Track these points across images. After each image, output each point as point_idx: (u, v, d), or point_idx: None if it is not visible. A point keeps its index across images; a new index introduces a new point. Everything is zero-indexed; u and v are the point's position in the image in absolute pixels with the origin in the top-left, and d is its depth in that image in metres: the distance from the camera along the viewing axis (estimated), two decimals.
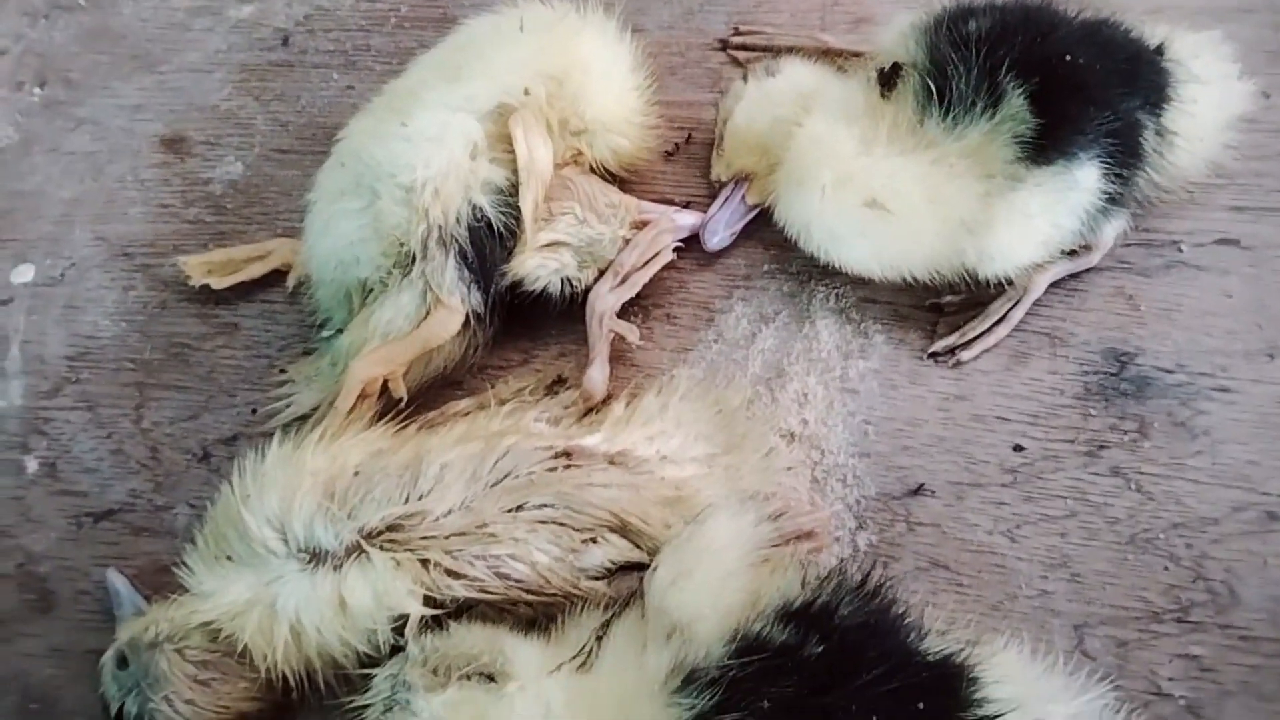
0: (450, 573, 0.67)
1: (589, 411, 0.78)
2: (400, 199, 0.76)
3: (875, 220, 0.76)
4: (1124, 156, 0.77)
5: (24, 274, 0.92)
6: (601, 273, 0.82)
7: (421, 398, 0.80)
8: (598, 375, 0.79)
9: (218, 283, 0.87)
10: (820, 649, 0.61)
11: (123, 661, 0.70)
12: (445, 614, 0.68)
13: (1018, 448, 0.77)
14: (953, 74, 0.75)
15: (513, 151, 0.79)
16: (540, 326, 0.85)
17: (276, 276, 0.88)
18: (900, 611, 0.65)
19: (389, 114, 0.79)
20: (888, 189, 0.75)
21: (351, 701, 0.68)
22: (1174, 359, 0.79)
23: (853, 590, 0.65)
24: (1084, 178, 0.76)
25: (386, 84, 0.87)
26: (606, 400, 0.79)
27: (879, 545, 0.75)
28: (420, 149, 0.76)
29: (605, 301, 0.81)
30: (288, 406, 0.82)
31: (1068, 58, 0.75)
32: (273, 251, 0.88)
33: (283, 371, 0.85)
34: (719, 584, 0.66)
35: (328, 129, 0.95)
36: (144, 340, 0.88)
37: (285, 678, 0.69)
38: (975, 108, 0.75)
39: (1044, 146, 0.74)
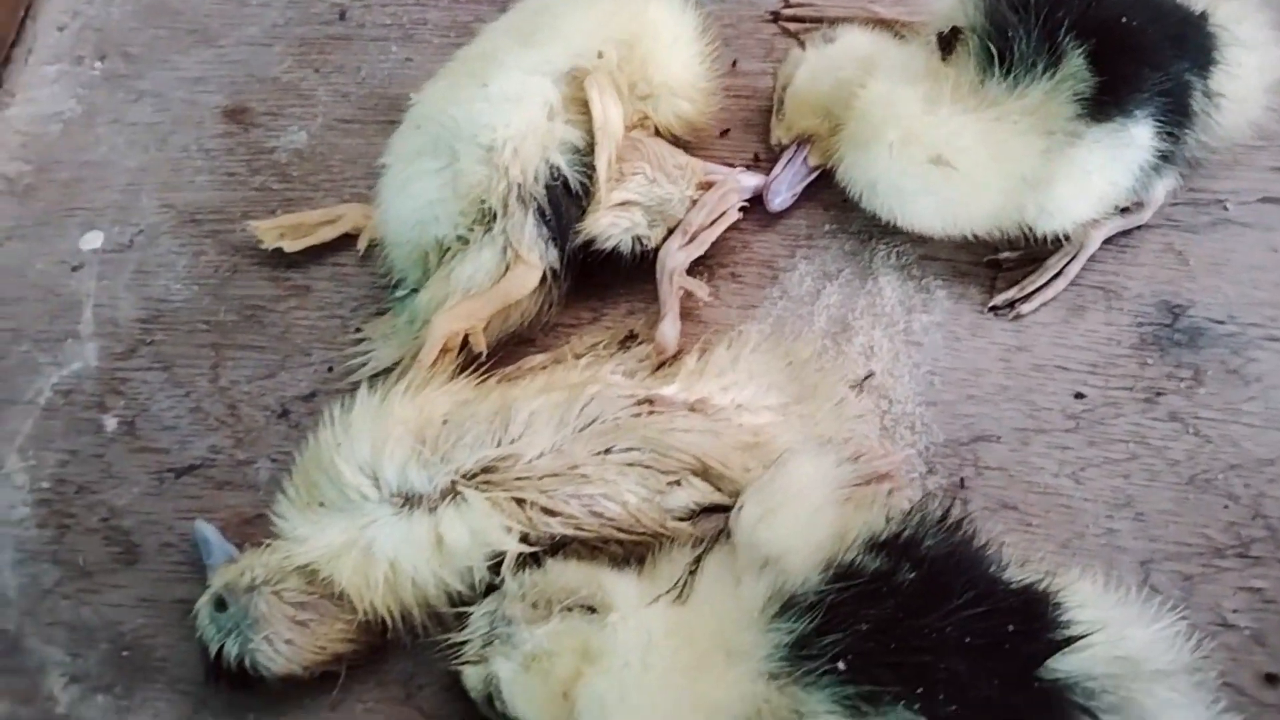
0: (547, 510, 0.69)
1: (661, 365, 0.81)
2: (481, 158, 0.78)
3: (940, 177, 0.79)
4: (1175, 116, 0.80)
5: (93, 240, 0.94)
6: (670, 232, 0.85)
7: (498, 354, 0.82)
8: (670, 330, 0.81)
9: (290, 246, 0.89)
10: (912, 575, 0.64)
11: (220, 605, 0.72)
12: (539, 553, 0.70)
13: (1079, 395, 0.80)
14: (1014, 36, 0.78)
15: (585, 113, 0.81)
16: (609, 286, 0.87)
17: (346, 240, 0.90)
18: (982, 544, 0.68)
19: (466, 78, 0.81)
20: (953, 146, 0.78)
21: (448, 639, 0.70)
22: (1224, 310, 0.82)
23: (935, 524, 0.67)
24: (1139, 135, 0.79)
25: (455, 52, 0.90)
26: (678, 355, 0.81)
27: (949, 489, 0.77)
28: (500, 110, 0.78)
29: (675, 259, 0.83)
30: (366, 363, 0.84)
31: (1124, 20, 0.78)
32: (343, 215, 0.90)
33: (358, 330, 0.87)
34: (808, 519, 0.68)
35: (389, 99, 0.98)
36: (217, 303, 0.90)
37: (380, 618, 0.71)
38: (1036, 67, 0.78)
39: (1103, 104, 0.77)
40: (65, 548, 0.82)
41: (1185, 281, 0.84)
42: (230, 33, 1.03)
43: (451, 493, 0.70)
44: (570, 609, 0.67)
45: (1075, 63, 0.77)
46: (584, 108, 0.81)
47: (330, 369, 0.86)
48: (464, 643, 0.70)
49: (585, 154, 0.81)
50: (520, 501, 0.69)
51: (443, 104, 0.81)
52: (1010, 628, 0.62)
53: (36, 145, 0.99)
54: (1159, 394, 0.80)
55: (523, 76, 0.79)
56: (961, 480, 0.78)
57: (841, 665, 0.60)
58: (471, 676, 0.69)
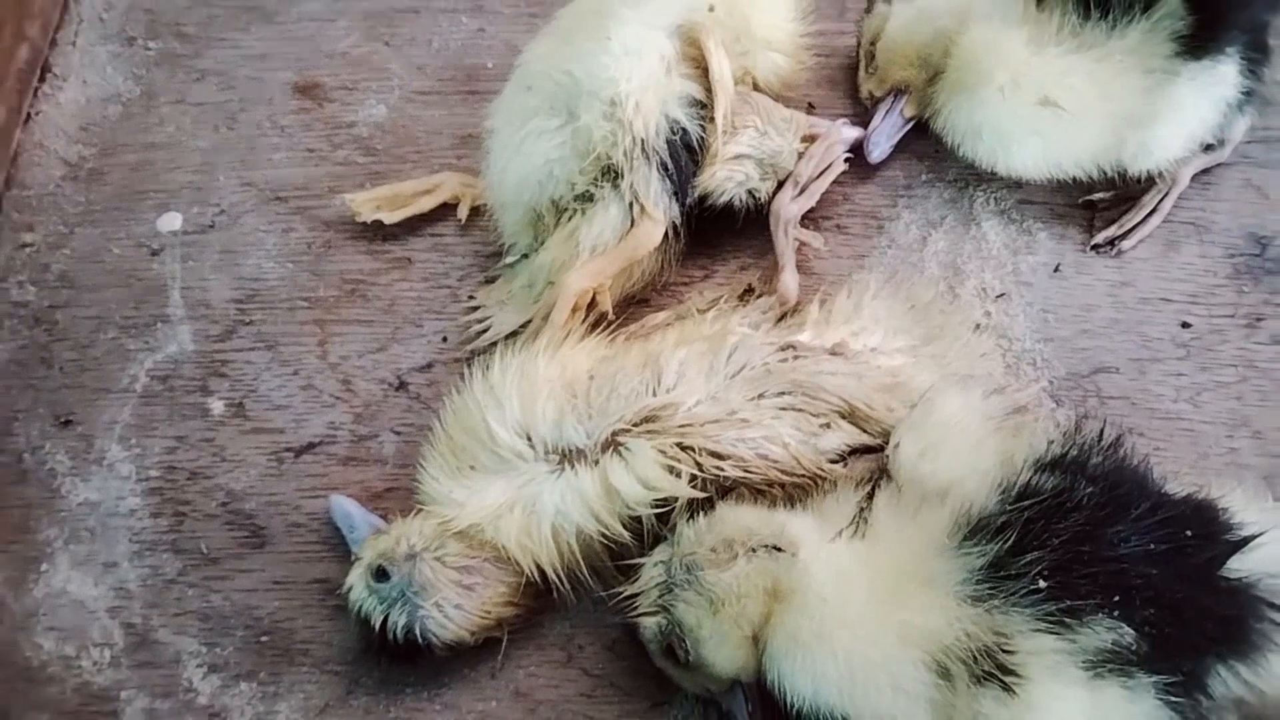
0: (715, 455, 0.69)
1: (784, 316, 0.81)
2: (604, 113, 0.77)
3: (1049, 118, 0.81)
4: (1256, 54, 0.84)
5: (171, 222, 0.90)
6: (780, 184, 0.85)
7: (619, 314, 0.81)
8: (790, 280, 0.82)
9: (389, 218, 0.87)
10: (1090, 490, 0.65)
11: (381, 575, 0.70)
12: (708, 498, 0.70)
13: (1185, 324, 0.83)
14: None
15: (697, 67, 0.81)
16: (717, 242, 0.87)
17: (443, 210, 0.89)
18: (1141, 459, 0.70)
19: (577, 35, 0.80)
20: (1061, 86, 0.80)
21: (610, 596, 0.69)
22: None
23: (1094, 443, 0.69)
24: (1227, 72, 0.82)
25: (532, 21, 0.90)
26: (797, 305, 0.82)
27: (1080, 417, 0.80)
28: (621, 63, 0.78)
29: (789, 211, 0.84)
30: (486, 330, 0.83)
31: None
32: (441, 184, 0.89)
33: (471, 298, 0.85)
34: (971, 449, 0.69)
35: (466, 69, 0.97)
36: (315, 279, 0.87)
37: (544, 578, 0.70)
38: (1134, 8, 0.81)
39: (1199, 42, 0.80)
40: (185, 536, 0.79)
41: (1268, 213, 0.88)
42: (289, 9, 1.00)
43: (612, 445, 0.70)
44: (754, 550, 0.67)
45: (1171, 2, 0.80)
46: (696, 62, 0.81)
47: (444, 339, 0.84)
48: (636, 595, 0.70)
49: (701, 107, 0.81)
50: (686, 448, 0.69)
51: (557, 62, 0.80)
52: (1188, 533, 0.65)
53: (97, 128, 0.95)
54: (1259, 319, 0.83)
55: (640, 29, 0.79)
56: (1085, 412, 0.80)
57: (1042, 583, 0.62)
58: (650, 627, 0.69)
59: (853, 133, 0.88)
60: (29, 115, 0.95)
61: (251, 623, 0.76)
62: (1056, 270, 0.85)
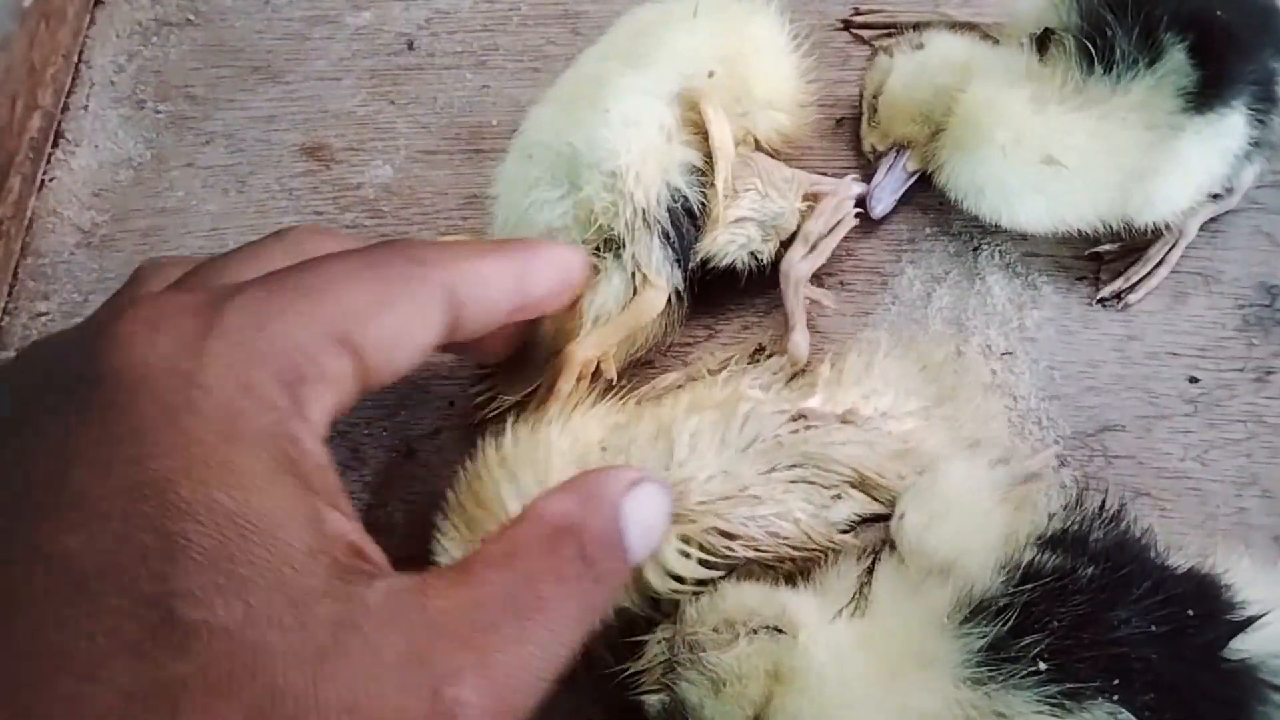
0: (726, 534, 0.69)
1: (794, 376, 0.82)
2: (605, 184, 0.78)
3: (1052, 176, 0.81)
4: (1264, 102, 0.83)
5: None
6: (784, 245, 0.85)
7: (622, 378, 0.82)
8: (801, 340, 0.82)
9: None
10: (1091, 570, 0.65)
11: None
12: (715, 578, 0.70)
13: (1193, 379, 0.83)
14: (1113, 34, 0.80)
15: (697, 133, 0.81)
16: (720, 303, 0.88)
17: None
18: (1143, 532, 0.70)
19: (577, 104, 0.81)
20: (1064, 144, 0.80)
21: (625, 670, 0.70)
22: None
23: (1095, 516, 0.70)
24: (1235, 124, 0.81)
25: (535, 78, 0.90)
26: (808, 365, 0.82)
27: (1083, 480, 0.80)
28: (621, 134, 0.78)
29: (799, 270, 0.84)
30: (492, 399, 0.84)
31: (1217, 13, 0.81)
32: None
33: (480, 365, 0.86)
34: (977, 523, 0.70)
35: (470, 127, 0.98)
36: None
37: None
38: (1138, 64, 0.80)
39: (1205, 96, 0.80)
40: None
41: (1278, 261, 0.87)
42: (296, 69, 1.02)
43: None
44: (755, 630, 0.67)
45: (1177, 58, 0.79)
46: (696, 128, 0.81)
47: (452, 404, 0.85)
48: (641, 672, 0.71)
49: (701, 174, 0.81)
50: (700, 528, 0.69)
51: (558, 131, 0.80)
52: (1190, 613, 0.65)
53: (109, 194, 0.97)
54: (1269, 372, 0.83)
55: (639, 99, 0.79)
56: (1090, 473, 0.80)
57: (1042, 665, 0.62)
58: (654, 705, 0.70)
59: (860, 188, 0.88)
60: (42, 183, 0.97)
61: None
62: (1061, 325, 0.85)
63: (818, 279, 0.88)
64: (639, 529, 0.58)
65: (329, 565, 0.47)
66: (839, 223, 0.85)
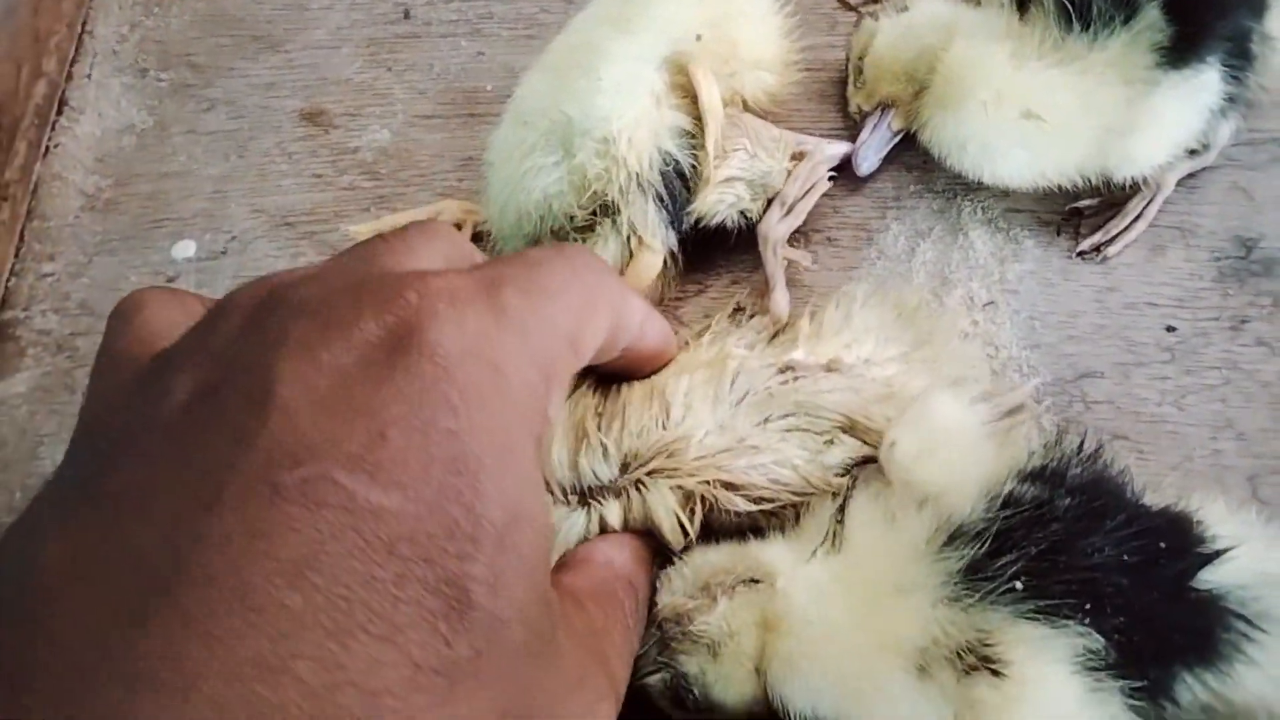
0: (729, 485, 0.71)
1: (777, 333, 0.84)
2: (598, 151, 0.80)
3: (1032, 131, 0.83)
4: (1239, 59, 0.85)
5: (186, 249, 0.94)
6: (769, 203, 0.87)
7: None
8: (780, 299, 0.84)
9: None
10: (1068, 501, 0.68)
11: None
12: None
13: (1170, 328, 0.85)
14: None
15: (686, 96, 0.84)
16: (710, 259, 0.90)
17: None
18: (1120, 470, 0.72)
19: (571, 70, 0.83)
20: (1044, 100, 0.82)
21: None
22: None
23: (1075, 454, 0.72)
24: (1209, 80, 0.84)
25: (529, 44, 0.92)
26: (790, 321, 0.84)
27: (1063, 425, 0.82)
28: (614, 100, 0.80)
29: (776, 231, 0.86)
30: None
31: None
32: (442, 210, 0.92)
33: None
34: (965, 456, 0.72)
35: (466, 93, 1.00)
36: None
37: None
38: (1114, 21, 0.82)
39: (1179, 52, 0.82)
40: None
41: (1253, 215, 0.89)
42: (295, 37, 1.04)
43: (632, 485, 0.72)
44: (732, 587, 0.69)
45: (1151, 14, 0.82)
46: (685, 91, 0.83)
47: None
48: (639, 657, 0.71)
49: (691, 136, 0.83)
50: (702, 482, 0.71)
51: (551, 99, 0.82)
52: (1161, 544, 0.67)
53: (113, 159, 0.99)
54: (1244, 321, 0.85)
55: (630, 65, 0.81)
56: (1070, 418, 0.82)
57: (1019, 585, 0.64)
58: (656, 685, 0.71)
59: (837, 149, 0.90)
60: (47, 148, 0.99)
61: None
62: (1042, 277, 0.87)
63: (804, 236, 0.91)
64: None
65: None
66: (814, 185, 0.87)
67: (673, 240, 0.83)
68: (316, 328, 0.45)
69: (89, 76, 1.03)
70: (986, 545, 0.65)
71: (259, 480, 0.40)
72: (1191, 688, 0.62)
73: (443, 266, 0.52)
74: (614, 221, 0.82)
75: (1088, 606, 0.64)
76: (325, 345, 0.44)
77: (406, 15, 1.04)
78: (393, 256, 0.52)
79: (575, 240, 0.83)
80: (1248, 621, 0.65)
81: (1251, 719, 0.63)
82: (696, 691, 0.69)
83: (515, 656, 0.43)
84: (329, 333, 0.45)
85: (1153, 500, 0.71)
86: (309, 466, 0.40)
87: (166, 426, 0.44)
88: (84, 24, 1.05)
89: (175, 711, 0.35)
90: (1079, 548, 0.65)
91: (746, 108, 0.90)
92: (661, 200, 0.82)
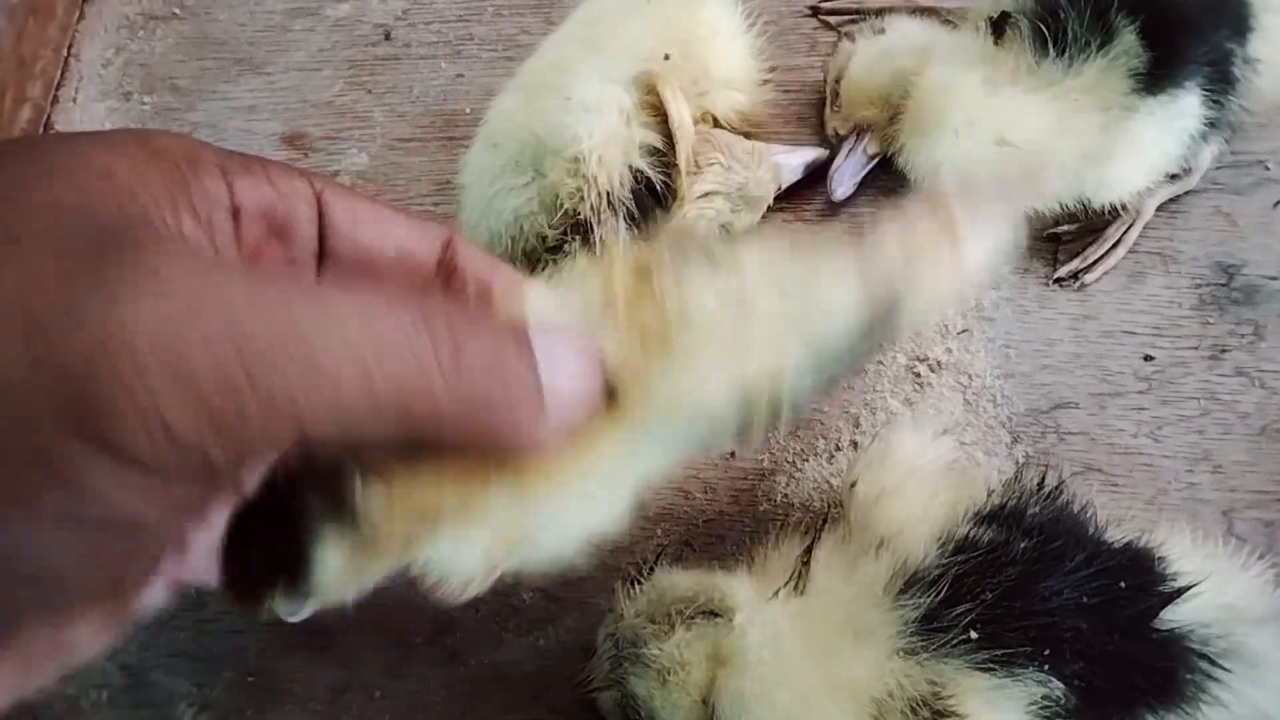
0: None
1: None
2: (569, 170, 0.80)
3: (1005, 157, 0.82)
4: (1219, 84, 0.83)
5: None
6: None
7: None
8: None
9: None
10: (1025, 543, 0.67)
11: None
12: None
13: (1148, 357, 0.84)
14: (1066, 18, 0.81)
15: (656, 115, 0.83)
16: None
17: None
18: (1080, 507, 0.71)
19: (540, 91, 0.83)
20: (1017, 126, 0.81)
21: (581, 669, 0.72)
22: (1276, 266, 0.86)
23: (1034, 492, 0.71)
24: (1188, 105, 0.82)
25: (508, 66, 0.92)
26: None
27: (1035, 456, 0.81)
28: (582, 120, 0.80)
29: None
30: None
31: None
32: None
33: None
34: (922, 497, 0.71)
35: (445, 115, 1.00)
36: None
37: None
38: (1090, 46, 0.81)
39: (1156, 78, 0.80)
40: None
41: (1236, 241, 0.88)
42: (277, 60, 1.04)
43: None
44: (692, 617, 0.69)
45: (1128, 39, 0.80)
46: (655, 110, 0.83)
47: None
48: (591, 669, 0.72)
49: (663, 154, 0.83)
50: None
51: (521, 120, 0.82)
52: (1122, 584, 0.66)
53: None
54: (1223, 350, 0.83)
55: (598, 85, 0.81)
56: (1043, 449, 0.81)
57: (973, 634, 0.64)
58: (605, 701, 0.72)
59: (808, 155, 0.90)
60: None
61: (239, 663, 0.80)
62: (1018, 305, 0.86)
63: None
64: None
65: None
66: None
67: None
68: None
69: (74, 100, 1.04)
70: (942, 593, 0.64)
71: None
72: None
73: None
74: (586, 240, 0.82)
75: (1046, 652, 0.63)
76: None
77: (387, 37, 1.04)
78: None
79: (548, 260, 0.84)
80: (1210, 661, 0.64)
81: None
82: (644, 714, 0.69)
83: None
84: None
85: (1116, 536, 0.70)
86: None
87: None
88: (69, 48, 1.06)
89: None
90: (1036, 592, 0.64)
91: (718, 125, 0.90)
92: (633, 218, 0.82)
